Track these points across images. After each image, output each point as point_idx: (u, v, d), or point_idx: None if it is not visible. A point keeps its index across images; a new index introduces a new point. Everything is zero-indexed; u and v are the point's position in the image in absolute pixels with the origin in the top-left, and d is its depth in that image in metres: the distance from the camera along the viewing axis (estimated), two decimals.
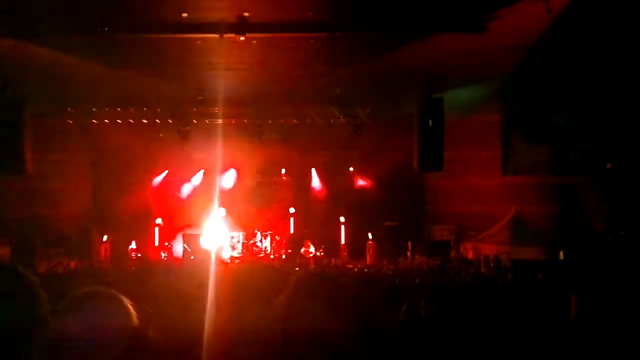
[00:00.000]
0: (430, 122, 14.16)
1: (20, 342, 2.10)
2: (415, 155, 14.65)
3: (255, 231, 18.25)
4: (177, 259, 17.02)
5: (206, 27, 12.00)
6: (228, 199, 18.91)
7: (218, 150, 17.76)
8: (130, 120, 17.04)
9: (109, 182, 18.14)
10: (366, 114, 17.20)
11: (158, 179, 18.88)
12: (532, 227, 16.58)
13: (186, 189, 19.15)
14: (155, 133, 17.53)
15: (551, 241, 15.45)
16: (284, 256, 17.58)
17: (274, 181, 19.77)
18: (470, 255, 16.48)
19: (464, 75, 14.91)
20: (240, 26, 11.73)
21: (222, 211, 18.76)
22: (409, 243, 16.94)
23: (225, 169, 19.08)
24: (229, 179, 19.25)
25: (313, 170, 19.56)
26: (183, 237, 17.36)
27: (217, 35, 11.85)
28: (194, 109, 17.00)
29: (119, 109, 16.94)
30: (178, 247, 17.17)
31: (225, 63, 13.54)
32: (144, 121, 17.06)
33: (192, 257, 16.41)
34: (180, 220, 18.47)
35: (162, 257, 17.02)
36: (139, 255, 16.78)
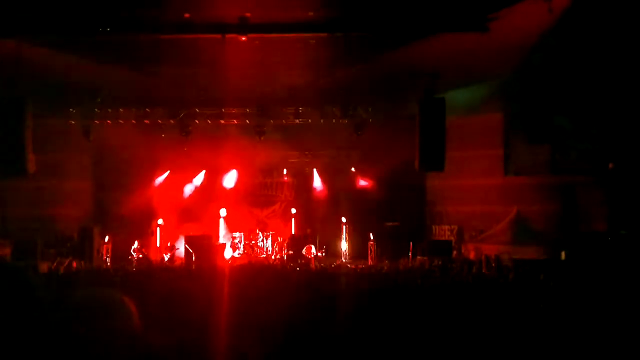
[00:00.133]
0: (432, 122, 14.18)
1: (21, 342, 2.11)
2: (417, 155, 14.65)
3: (257, 231, 18.26)
4: (178, 259, 17.02)
5: (208, 28, 12.03)
6: (229, 199, 18.94)
7: (219, 150, 17.81)
8: (132, 121, 17.07)
9: (111, 183, 18.14)
10: (367, 114, 17.21)
11: (160, 180, 18.89)
12: (533, 227, 16.58)
13: (188, 189, 19.16)
14: (157, 133, 17.55)
15: (552, 241, 15.45)
16: (285, 257, 17.57)
17: (276, 181, 19.78)
18: (471, 256, 16.47)
19: (466, 75, 14.93)
20: (242, 27, 11.77)
21: (224, 211, 18.78)
22: (410, 243, 16.92)
23: (226, 169, 19.10)
24: (230, 179, 19.26)
25: (314, 170, 19.56)
26: (185, 238, 17.36)
27: (219, 36, 11.88)
28: (196, 110, 17.04)
29: (120, 110, 16.98)
30: (180, 248, 17.16)
31: (227, 63, 13.56)
32: (146, 121, 17.09)
33: (193, 258, 16.41)
34: (181, 220, 18.48)
35: (164, 258, 17.02)
36: (141, 255, 16.79)
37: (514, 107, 16.54)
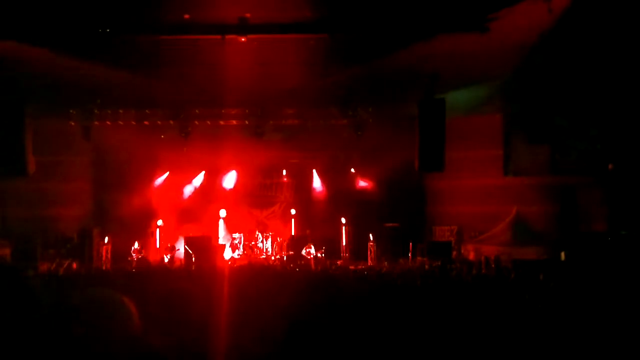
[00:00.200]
0: (432, 122, 14.19)
1: (21, 342, 2.10)
2: (417, 155, 14.67)
3: (257, 232, 18.26)
4: (178, 260, 17.02)
5: (208, 29, 12.03)
6: (229, 200, 18.94)
7: (219, 151, 17.80)
8: (132, 122, 17.07)
9: (111, 184, 18.12)
10: (367, 115, 17.20)
11: (159, 180, 18.89)
12: (532, 227, 16.59)
13: (187, 190, 19.15)
14: (157, 134, 17.55)
15: (552, 241, 15.45)
16: (285, 257, 17.57)
17: (275, 182, 19.77)
18: (471, 256, 16.47)
19: (465, 75, 14.92)
20: (242, 27, 11.77)
21: (223, 212, 18.78)
22: (410, 244, 16.92)
23: (226, 170, 19.10)
24: (230, 180, 19.26)
25: (314, 171, 19.55)
26: (184, 239, 17.36)
27: (218, 37, 11.88)
28: (196, 110, 17.04)
29: (120, 111, 16.98)
30: (180, 249, 17.16)
31: (227, 64, 13.56)
32: (146, 122, 17.09)
33: (193, 259, 16.41)
34: (181, 221, 18.49)
35: (164, 259, 17.01)
36: (141, 256, 16.79)
37: (514, 108, 16.55)
